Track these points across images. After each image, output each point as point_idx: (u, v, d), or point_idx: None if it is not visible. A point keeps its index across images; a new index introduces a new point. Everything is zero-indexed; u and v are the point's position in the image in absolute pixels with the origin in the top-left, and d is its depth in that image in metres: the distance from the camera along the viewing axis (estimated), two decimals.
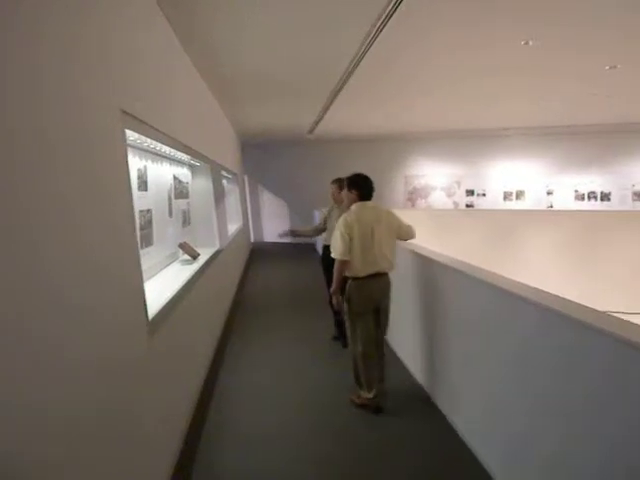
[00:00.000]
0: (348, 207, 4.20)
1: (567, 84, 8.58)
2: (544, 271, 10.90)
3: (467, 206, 15.75)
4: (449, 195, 15.92)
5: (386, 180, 16.09)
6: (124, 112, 2.75)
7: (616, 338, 1.98)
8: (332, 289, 4.09)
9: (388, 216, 4.18)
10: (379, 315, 4.18)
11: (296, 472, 3.32)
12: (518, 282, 3.10)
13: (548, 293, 2.78)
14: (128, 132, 3.03)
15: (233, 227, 10.35)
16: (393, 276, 4.24)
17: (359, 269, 3.99)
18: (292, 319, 7.18)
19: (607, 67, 7.54)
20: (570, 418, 2.33)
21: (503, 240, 11.85)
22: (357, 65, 6.75)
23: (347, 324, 4.20)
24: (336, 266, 4.01)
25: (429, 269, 4.37)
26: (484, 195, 15.65)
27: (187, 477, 3.25)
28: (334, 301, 4.13)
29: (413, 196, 16.14)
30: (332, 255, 4.05)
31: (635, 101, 10.10)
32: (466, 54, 6.80)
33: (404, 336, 5.23)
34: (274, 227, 16.03)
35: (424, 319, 4.57)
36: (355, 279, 4.02)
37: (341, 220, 4.03)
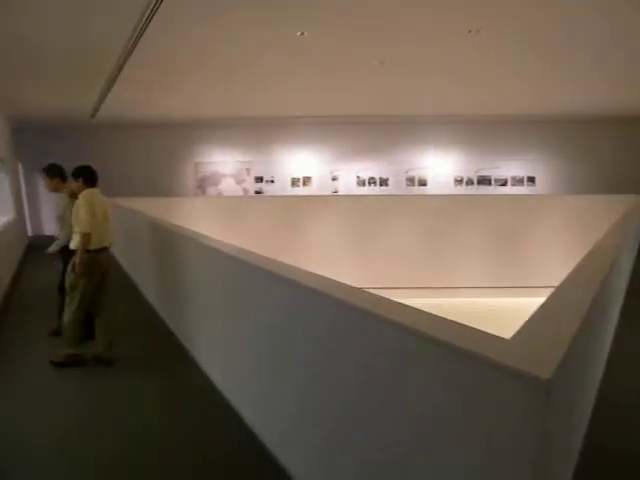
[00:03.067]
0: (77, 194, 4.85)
1: (343, 76, 9.06)
2: (330, 252, 11.49)
3: (256, 192, 15.96)
4: (239, 182, 16.01)
5: (175, 167, 15.76)
6: None
7: (359, 309, 2.13)
8: (80, 261, 4.53)
9: (108, 203, 5.10)
10: (104, 282, 4.93)
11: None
12: (261, 257, 3.39)
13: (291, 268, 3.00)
14: None
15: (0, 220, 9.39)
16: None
17: (95, 243, 4.67)
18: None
19: (376, 62, 8.10)
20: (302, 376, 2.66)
21: (292, 224, 12.24)
22: (136, 44, 6.47)
23: (74, 291, 4.67)
24: (82, 239, 4.54)
25: (172, 240, 5.50)
26: (273, 182, 15.99)
27: None
28: (77, 270, 4.55)
29: (203, 184, 15.97)
30: (77, 229, 4.62)
31: (404, 94, 10.98)
32: (248, 43, 6.88)
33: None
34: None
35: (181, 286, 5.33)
36: (89, 252, 4.63)
37: (83, 200, 4.65)
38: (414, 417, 1.84)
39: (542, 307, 1.96)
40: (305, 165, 15.98)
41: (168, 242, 5.83)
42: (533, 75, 9.03)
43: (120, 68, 7.66)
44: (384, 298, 2.21)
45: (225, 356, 4.15)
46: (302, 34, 6.52)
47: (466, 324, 1.75)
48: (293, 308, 2.74)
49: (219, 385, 4.13)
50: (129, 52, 6.81)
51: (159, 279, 6.46)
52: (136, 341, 5.63)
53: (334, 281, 2.55)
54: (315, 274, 2.72)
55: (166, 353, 5.28)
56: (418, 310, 1.98)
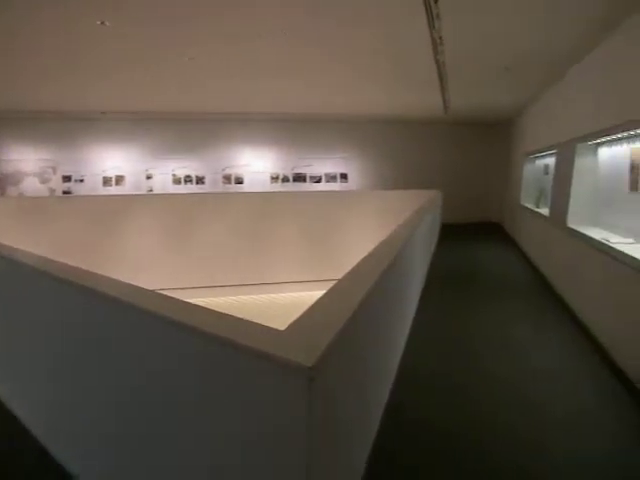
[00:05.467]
0: None
1: (153, 70, 8.76)
2: (145, 252, 11.12)
3: (64, 193, 14.90)
4: (43, 181, 14.84)
5: None
6: None
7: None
8: None
9: None
10: None
11: None
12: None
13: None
14: None
15: None
16: None
17: None
18: None
19: (187, 58, 7.94)
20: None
21: (104, 226, 11.62)
22: None
23: None
24: None
25: None
26: (82, 181, 15.03)
27: None
28: None
29: (2, 183, 14.57)
30: None
31: (218, 90, 10.87)
32: (44, 29, 6.41)
33: None
34: None
35: None
36: None
37: None
38: (181, 408, 1.86)
39: (322, 298, 2.05)
40: (118, 163, 15.23)
41: None
42: (338, 77, 9.43)
43: None
44: (151, 292, 2.20)
45: None
46: (102, 23, 6.19)
47: (244, 318, 1.77)
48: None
49: None
50: None
51: None
52: None
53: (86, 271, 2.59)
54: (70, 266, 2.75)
55: None
56: (189, 304, 1.99)
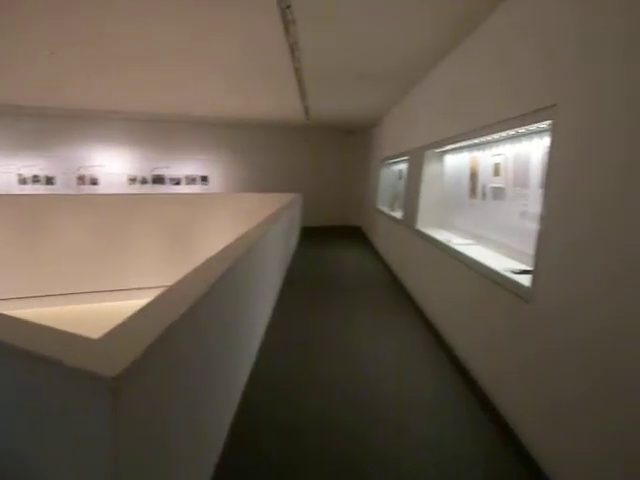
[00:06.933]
0: None
1: (7, 62, 8.10)
2: None
3: None
4: None
5: None
6: None
7: None
8: None
9: None
10: None
11: None
12: None
13: None
14: None
15: None
16: None
17: None
18: None
19: (47, 52, 7.44)
20: None
21: None
22: None
23: None
24: None
25: None
26: None
27: None
28: None
29: None
30: None
31: (74, 86, 10.23)
32: None
33: None
34: None
35: None
36: None
37: None
38: None
39: (147, 305, 1.97)
40: None
41: None
42: (198, 80, 9.25)
43: None
44: None
45: None
46: None
47: (57, 328, 1.66)
48: None
49: None
50: None
51: None
52: None
53: None
54: None
55: None
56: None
